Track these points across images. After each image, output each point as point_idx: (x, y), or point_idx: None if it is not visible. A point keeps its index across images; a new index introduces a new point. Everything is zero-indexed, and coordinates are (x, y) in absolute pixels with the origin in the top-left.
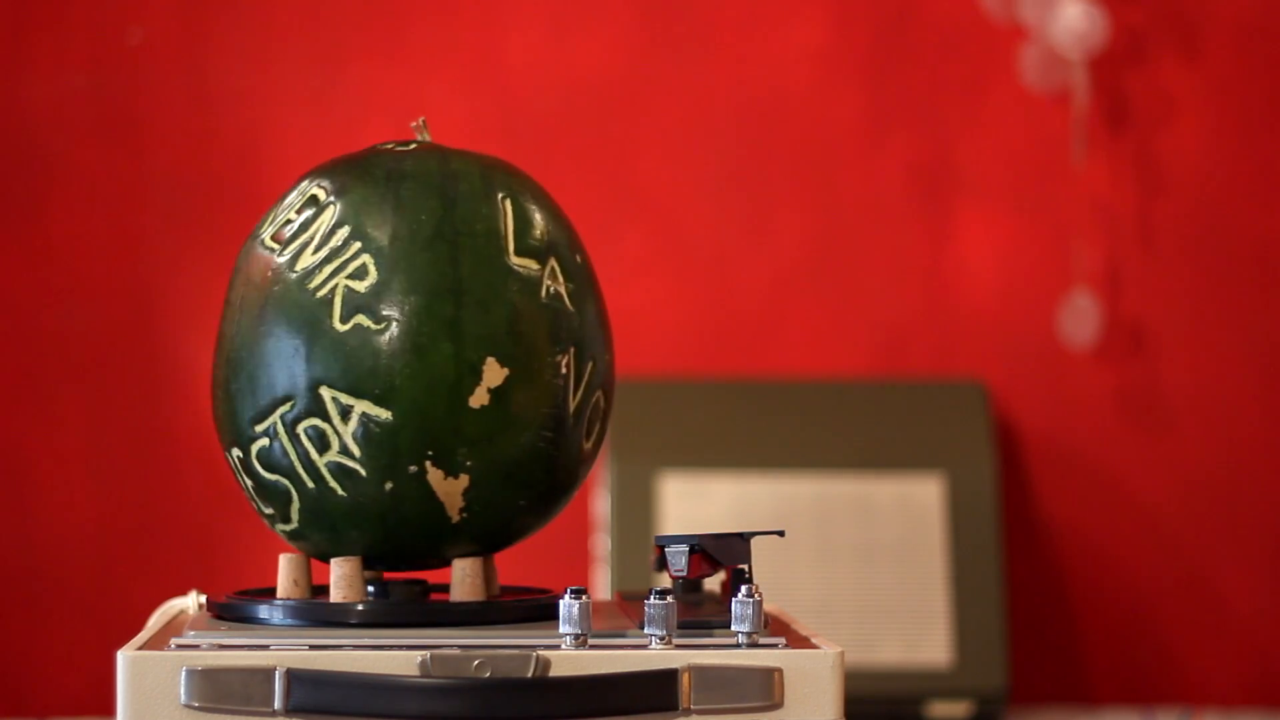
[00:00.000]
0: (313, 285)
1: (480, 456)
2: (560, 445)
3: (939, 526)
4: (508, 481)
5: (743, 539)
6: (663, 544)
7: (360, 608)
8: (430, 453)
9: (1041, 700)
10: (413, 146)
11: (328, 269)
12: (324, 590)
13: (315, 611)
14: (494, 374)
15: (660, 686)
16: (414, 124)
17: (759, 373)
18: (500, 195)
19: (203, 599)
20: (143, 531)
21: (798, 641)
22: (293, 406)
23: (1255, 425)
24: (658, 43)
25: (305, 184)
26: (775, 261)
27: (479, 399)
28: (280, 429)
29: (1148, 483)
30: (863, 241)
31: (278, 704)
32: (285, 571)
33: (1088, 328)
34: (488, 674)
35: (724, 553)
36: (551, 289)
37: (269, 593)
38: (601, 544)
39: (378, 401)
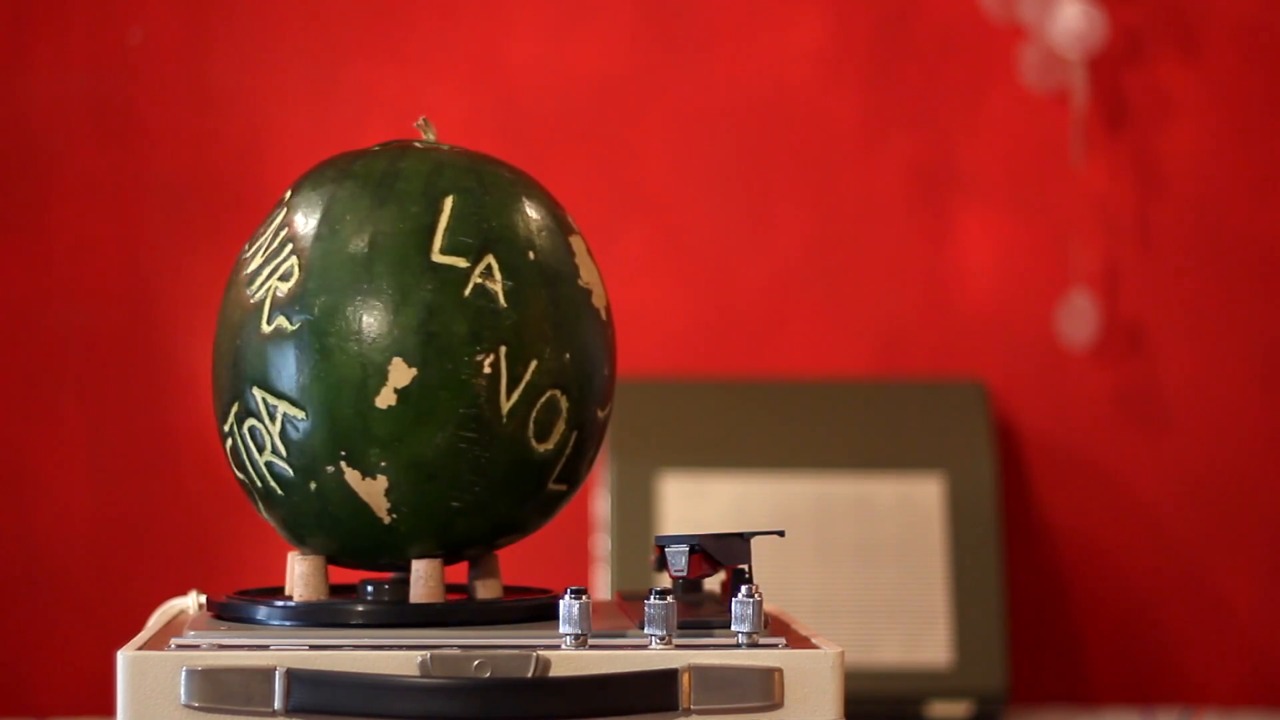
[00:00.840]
0: (252, 288)
1: (393, 457)
2: (490, 446)
3: (939, 526)
4: (430, 482)
5: (743, 539)
6: (663, 544)
7: (360, 608)
8: (344, 453)
9: (1041, 700)
10: (390, 145)
11: (265, 271)
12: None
13: (315, 612)
14: (400, 374)
15: (660, 686)
16: (417, 123)
17: (759, 373)
18: (444, 193)
19: (203, 599)
20: (143, 531)
21: (798, 641)
22: (239, 408)
23: (1254, 425)
24: (658, 43)
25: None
26: (775, 261)
27: (385, 399)
28: (235, 429)
29: (1147, 482)
30: (863, 241)
31: (278, 704)
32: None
33: (1087, 328)
34: (488, 674)
35: (724, 553)
36: (481, 286)
37: (269, 593)
38: (601, 544)
39: (294, 403)
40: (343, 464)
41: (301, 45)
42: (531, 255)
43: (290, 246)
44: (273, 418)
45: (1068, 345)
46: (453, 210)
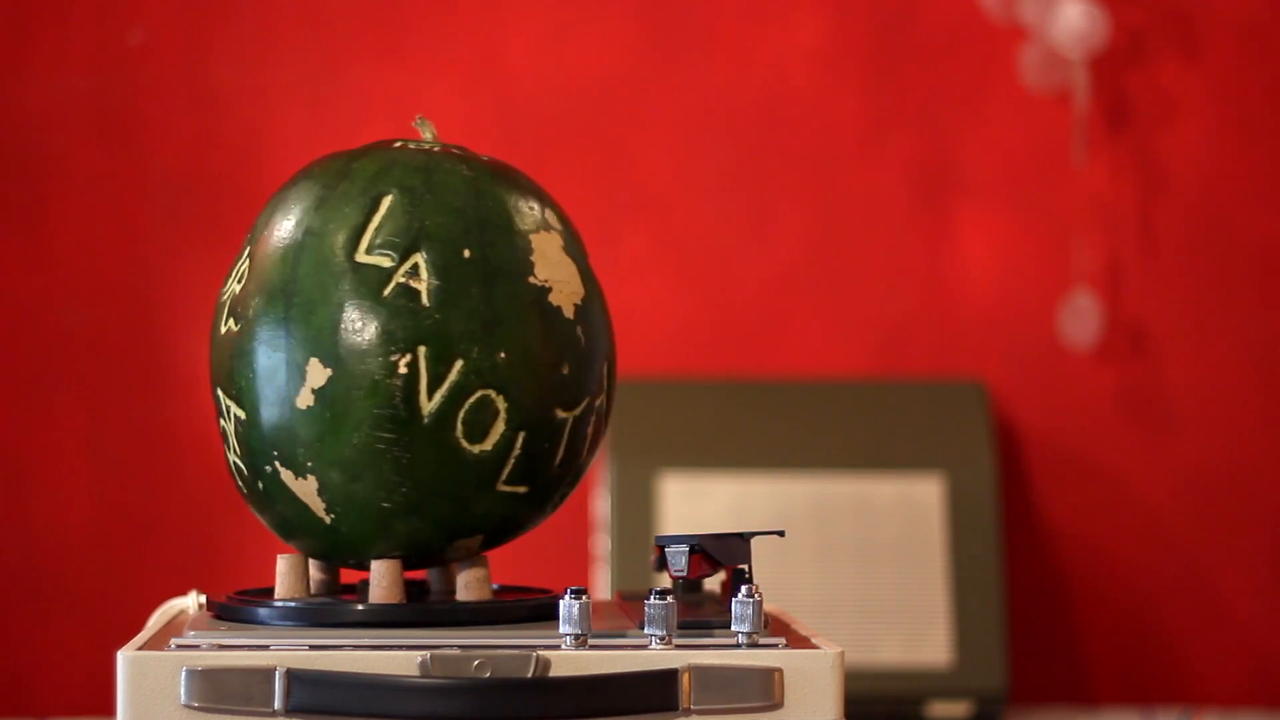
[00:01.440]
0: (223, 290)
1: (318, 458)
2: (412, 447)
3: (939, 526)
4: (355, 483)
5: (743, 539)
6: (663, 544)
7: (360, 608)
8: (275, 453)
9: (1041, 700)
10: (397, 144)
11: (232, 274)
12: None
13: (315, 612)
14: (317, 374)
15: (660, 686)
16: (414, 122)
17: (759, 373)
18: (383, 192)
19: (203, 599)
20: (143, 531)
21: (798, 641)
22: (216, 409)
23: (1255, 425)
24: (658, 43)
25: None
26: (775, 261)
27: (304, 400)
28: (222, 425)
29: (1148, 482)
30: (862, 241)
31: (278, 704)
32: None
33: (1088, 328)
34: (488, 674)
35: (724, 553)
36: (404, 286)
37: (269, 593)
38: (601, 544)
39: (237, 403)
40: (278, 464)
41: (301, 45)
42: (467, 253)
43: (248, 248)
44: (228, 418)
45: (1069, 345)
46: (388, 209)
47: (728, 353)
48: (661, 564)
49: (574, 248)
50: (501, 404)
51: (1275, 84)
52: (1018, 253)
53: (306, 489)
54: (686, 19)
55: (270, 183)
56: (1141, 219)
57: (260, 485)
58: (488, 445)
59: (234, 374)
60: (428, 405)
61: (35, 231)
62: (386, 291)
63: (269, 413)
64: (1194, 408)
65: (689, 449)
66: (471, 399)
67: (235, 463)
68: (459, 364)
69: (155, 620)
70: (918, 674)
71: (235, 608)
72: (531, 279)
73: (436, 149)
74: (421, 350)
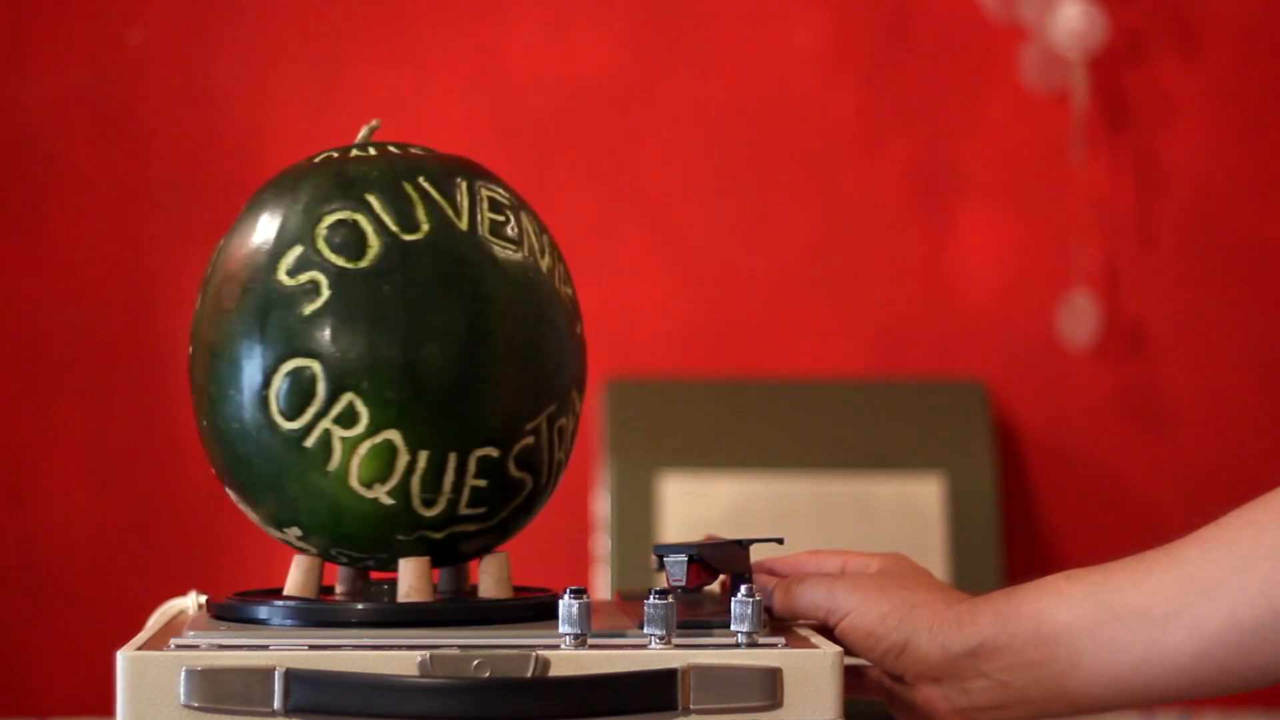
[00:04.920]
0: (556, 287)
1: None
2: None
3: (939, 526)
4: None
5: (742, 546)
6: (661, 553)
7: (360, 607)
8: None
9: None
10: (398, 149)
11: (557, 272)
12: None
13: (315, 612)
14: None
15: (660, 686)
16: (367, 126)
17: (759, 373)
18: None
19: (203, 599)
20: (143, 531)
21: (798, 641)
22: (558, 406)
23: (1254, 424)
24: (658, 43)
25: (465, 183)
26: (775, 261)
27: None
28: (542, 427)
29: (1147, 482)
30: (863, 241)
31: (277, 704)
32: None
33: (1087, 328)
34: (488, 674)
35: (723, 561)
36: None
37: (269, 593)
38: (601, 544)
39: (580, 401)
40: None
41: (301, 45)
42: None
43: (558, 252)
44: (574, 416)
45: (1068, 345)
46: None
47: (728, 353)
48: (662, 566)
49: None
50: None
51: (1274, 84)
52: (1017, 253)
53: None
54: (686, 19)
55: None
56: (1140, 219)
57: (558, 481)
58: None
59: (587, 375)
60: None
61: (35, 231)
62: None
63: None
64: (1192, 407)
65: (689, 449)
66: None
67: (561, 460)
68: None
69: (155, 620)
70: None
71: (235, 608)
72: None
73: (348, 152)
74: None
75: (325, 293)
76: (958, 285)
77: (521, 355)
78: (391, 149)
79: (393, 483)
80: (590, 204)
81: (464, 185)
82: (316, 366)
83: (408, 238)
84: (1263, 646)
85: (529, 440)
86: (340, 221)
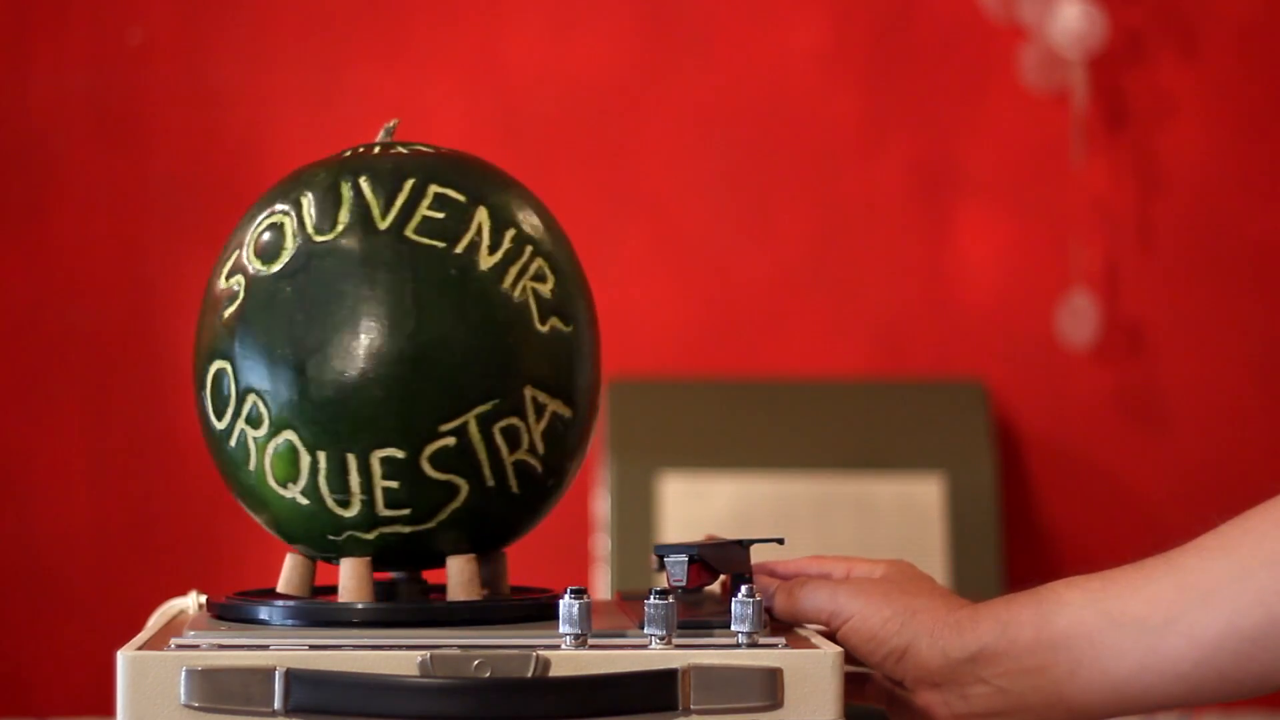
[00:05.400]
0: (505, 285)
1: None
2: None
3: (939, 526)
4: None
5: (742, 546)
6: (662, 554)
7: (360, 607)
8: (583, 448)
9: None
10: (399, 147)
11: (514, 270)
12: (325, 590)
13: (315, 612)
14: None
15: (660, 686)
16: (388, 125)
17: (759, 373)
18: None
19: (203, 599)
20: (143, 531)
21: (798, 641)
22: (495, 406)
23: (1254, 425)
24: (658, 43)
25: (414, 181)
26: (775, 261)
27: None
28: (479, 429)
29: (1147, 482)
30: (863, 241)
31: (278, 704)
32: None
33: (1087, 328)
34: (488, 674)
35: (723, 561)
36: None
37: (269, 593)
38: (601, 544)
39: (567, 401)
40: (578, 458)
41: (301, 45)
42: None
43: (529, 248)
44: (540, 416)
45: (1068, 345)
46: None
47: (728, 353)
48: (662, 567)
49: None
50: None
51: (1274, 84)
52: (1017, 253)
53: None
54: (686, 19)
55: (271, 183)
56: (1140, 219)
57: (550, 483)
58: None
59: (570, 373)
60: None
61: (35, 231)
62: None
63: (590, 413)
64: (1192, 407)
65: (689, 449)
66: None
67: (520, 461)
68: None
69: (155, 620)
70: None
71: (235, 608)
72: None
73: (349, 154)
74: None
75: (240, 296)
76: (958, 285)
77: (426, 355)
78: (399, 149)
79: (303, 483)
80: (590, 204)
81: (411, 183)
82: (229, 368)
83: (319, 239)
84: (1261, 654)
85: (447, 442)
86: (270, 225)
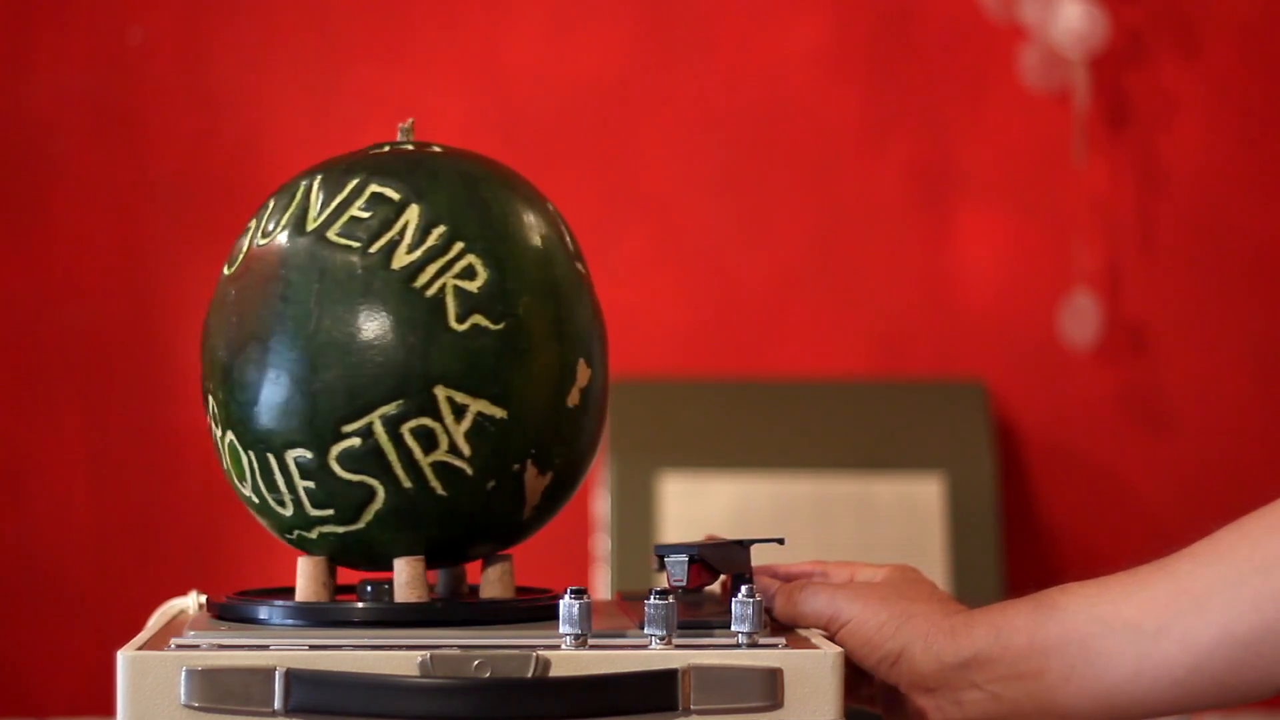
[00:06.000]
0: (419, 284)
1: (569, 454)
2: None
3: (939, 526)
4: (578, 478)
5: (742, 546)
6: (662, 554)
7: (360, 607)
8: (533, 451)
9: None
10: (409, 146)
11: (431, 268)
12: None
13: (315, 612)
14: (583, 374)
15: (660, 686)
16: (402, 125)
17: (759, 373)
18: (540, 198)
19: (203, 599)
20: (143, 531)
21: (798, 642)
22: (400, 406)
23: (1254, 425)
24: (658, 43)
25: (356, 181)
26: (775, 261)
27: (574, 399)
28: (387, 430)
29: (1147, 482)
30: (863, 241)
31: (278, 704)
32: (313, 574)
33: (1088, 328)
34: (488, 674)
35: (724, 561)
36: (594, 292)
37: (269, 593)
38: (601, 544)
39: (494, 401)
40: (529, 463)
41: (301, 45)
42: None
43: (459, 244)
44: (459, 418)
45: (1069, 345)
46: (559, 216)
47: (728, 353)
48: (663, 566)
49: None
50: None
51: (1274, 84)
52: (1018, 253)
53: (539, 485)
54: (686, 19)
55: (271, 183)
56: (1141, 219)
57: (489, 485)
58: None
59: (494, 372)
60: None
61: (35, 231)
62: (591, 295)
63: (539, 412)
64: (1193, 407)
65: (689, 449)
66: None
67: (440, 463)
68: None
69: (155, 620)
70: None
71: (235, 607)
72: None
73: (473, 155)
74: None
75: (213, 298)
76: (958, 285)
77: (327, 356)
78: (405, 147)
79: (249, 482)
80: (590, 204)
81: (353, 184)
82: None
83: (261, 241)
84: (1255, 660)
85: (352, 443)
86: (245, 227)
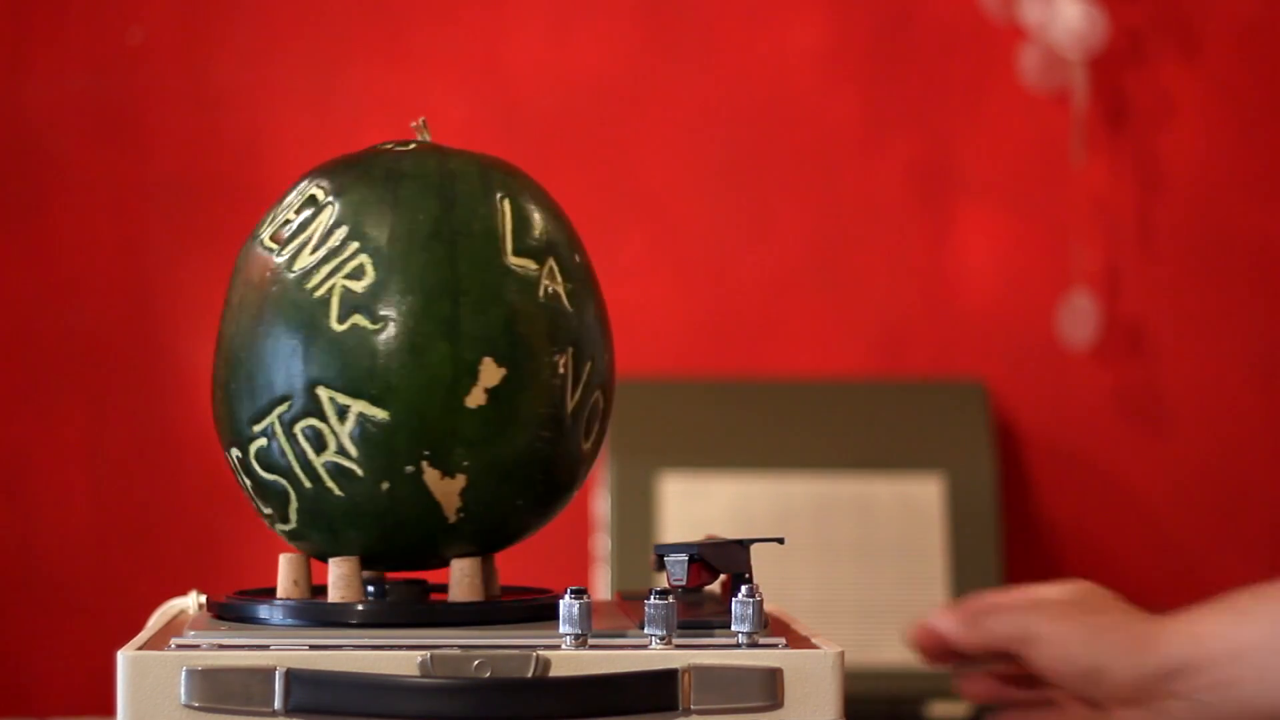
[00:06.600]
0: (310, 286)
1: (477, 457)
2: (558, 446)
3: (939, 526)
4: (505, 482)
5: (742, 545)
6: (662, 553)
7: (360, 608)
8: (428, 452)
9: None
10: (412, 146)
11: (324, 269)
12: (323, 590)
13: (315, 611)
14: (491, 374)
15: (660, 686)
16: (414, 124)
17: (759, 373)
18: (499, 195)
19: (203, 599)
20: (143, 531)
21: (798, 641)
22: (290, 406)
23: (1253, 424)
24: (658, 43)
25: (304, 184)
26: (775, 261)
27: (476, 399)
28: (279, 430)
29: (1147, 482)
30: (863, 241)
31: (278, 704)
32: (285, 571)
33: (1087, 327)
34: (488, 674)
35: (723, 561)
36: (550, 289)
37: (269, 593)
38: (601, 544)
39: (374, 401)
40: (424, 463)
41: (301, 45)
42: (577, 259)
43: (357, 245)
44: (341, 418)
45: (1068, 345)
46: (512, 214)
47: (728, 353)
48: (662, 566)
49: None
50: (602, 404)
51: (1274, 84)
52: (1017, 253)
53: (450, 488)
54: (686, 19)
55: (271, 183)
56: (1140, 219)
57: (383, 486)
58: (589, 444)
59: (370, 372)
60: (570, 405)
61: (35, 231)
62: (540, 294)
63: (429, 411)
64: (1192, 407)
65: (689, 449)
66: (591, 399)
67: (331, 463)
68: (589, 365)
69: (155, 620)
70: (918, 674)
71: (235, 607)
72: (598, 286)
73: (479, 153)
74: (570, 351)
75: None
76: (958, 285)
77: (238, 357)
78: (392, 147)
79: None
80: (590, 204)
81: (301, 186)
82: None
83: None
84: None
85: (262, 442)
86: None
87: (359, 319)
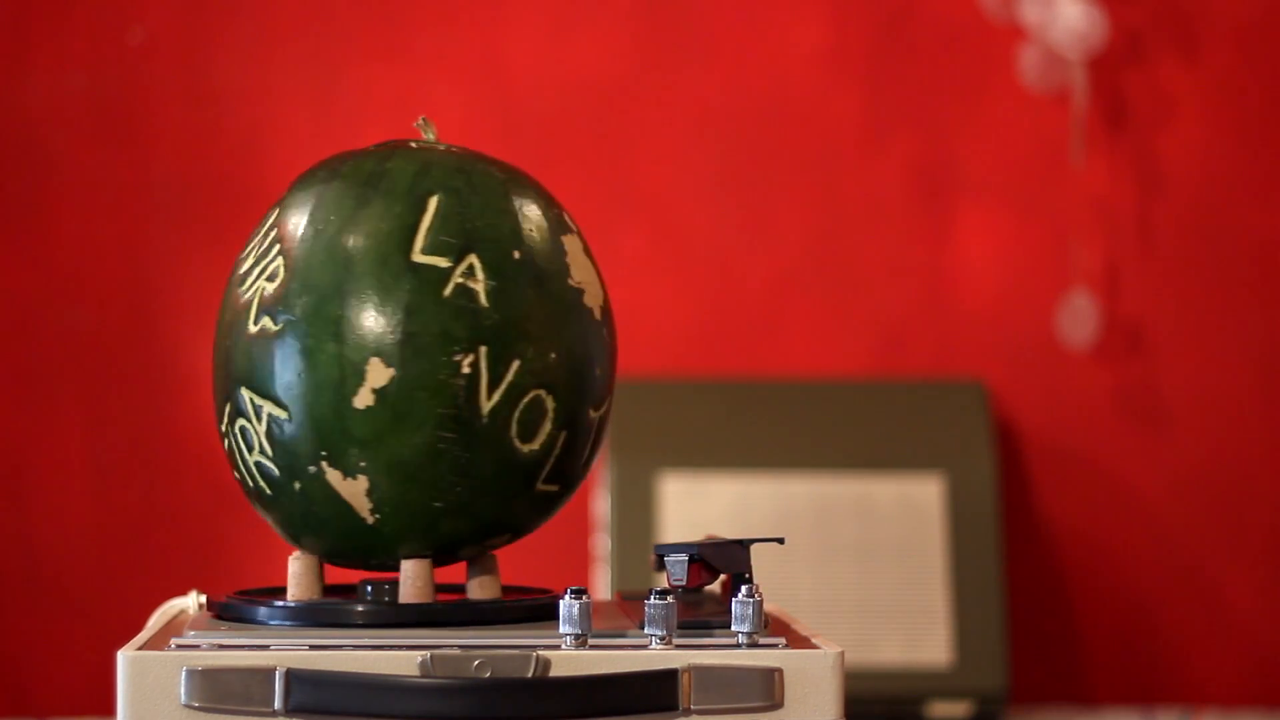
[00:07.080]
0: (243, 289)
1: (373, 458)
2: (471, 447)
3: (939, 526)
4: (410, 483)
5: (742, 546)
6: (662, 553)
7: (360, 608)
8: (324, 453)
9: (1041, 700)
10: (384, 145)
11: (254, 273)
12: (332, 590)
13: (315, 612)
14: (378, 374)
15: (660, 686)
16: (417, 122)
17: (759, 373)
18: (429, 193)
19: (203, 599)
20: (143, 531)
21: (798, 641)
22: (230, 407)
23: (1253, 424)
24: (658, 43)
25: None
26: (775, 261)
27: (364, 400)
28: (228, 429)
29: (1147, 482)
30: (863, 241)
31: (278, 704)
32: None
33: (1087, 327)
34: (488, 674)
35: (723, 561)
36: (462, 286)
37: (269, 593)
38: (601, 544)
39: (277, 402)
40: (324, 464)
41: (301, 45)
42: (517, 254)
43: (277, 247)
44: (258, 418)
45: (1068, 345)
46: (436, 210)
47: (728, 353)
48: (662, 566)
49: (589, 250)
50: (550, 404)
51: (1274, 84)
52: (1017, 253)
53: (354, 489)
54: (686, 19)
55: (271, 183)
56: (1140, 219)
57: (297, 486)
58: (535, 445)
59: (274, 373)
60: (487, 405)
61: (35, 231)
62: (446, 291)
63: (320, 412)
64: (1192, 407)
65: (689, 449)
66: (526, 399)
67: (259, 463)
68: (516, 364)
69: (155, 620)
70: (918, 674)
71: (235, 608)
72: (570, 281)
73: (457, 150)
74: (482, 350)
75: None
76: (958, 285)
77: (214, 360)
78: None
79: None
80: (590, 204)
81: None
82: None
83: None
84: None
85: (225, 441)
86: None
87: (266, 321)
